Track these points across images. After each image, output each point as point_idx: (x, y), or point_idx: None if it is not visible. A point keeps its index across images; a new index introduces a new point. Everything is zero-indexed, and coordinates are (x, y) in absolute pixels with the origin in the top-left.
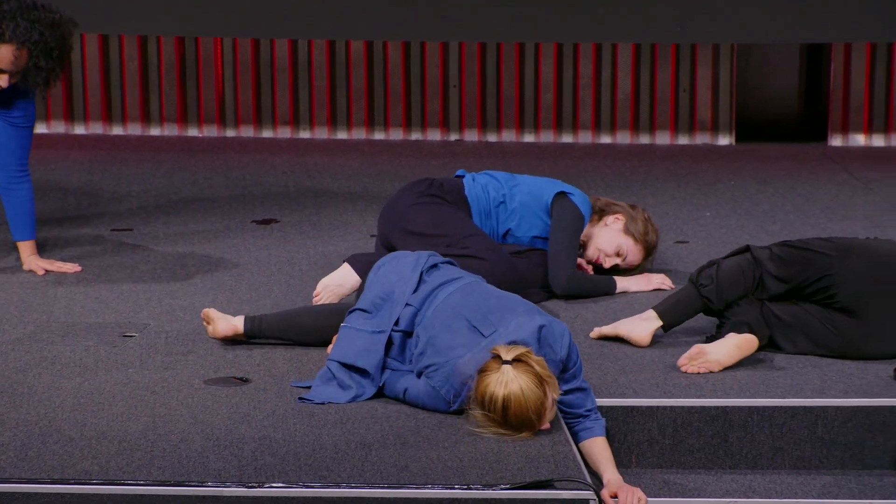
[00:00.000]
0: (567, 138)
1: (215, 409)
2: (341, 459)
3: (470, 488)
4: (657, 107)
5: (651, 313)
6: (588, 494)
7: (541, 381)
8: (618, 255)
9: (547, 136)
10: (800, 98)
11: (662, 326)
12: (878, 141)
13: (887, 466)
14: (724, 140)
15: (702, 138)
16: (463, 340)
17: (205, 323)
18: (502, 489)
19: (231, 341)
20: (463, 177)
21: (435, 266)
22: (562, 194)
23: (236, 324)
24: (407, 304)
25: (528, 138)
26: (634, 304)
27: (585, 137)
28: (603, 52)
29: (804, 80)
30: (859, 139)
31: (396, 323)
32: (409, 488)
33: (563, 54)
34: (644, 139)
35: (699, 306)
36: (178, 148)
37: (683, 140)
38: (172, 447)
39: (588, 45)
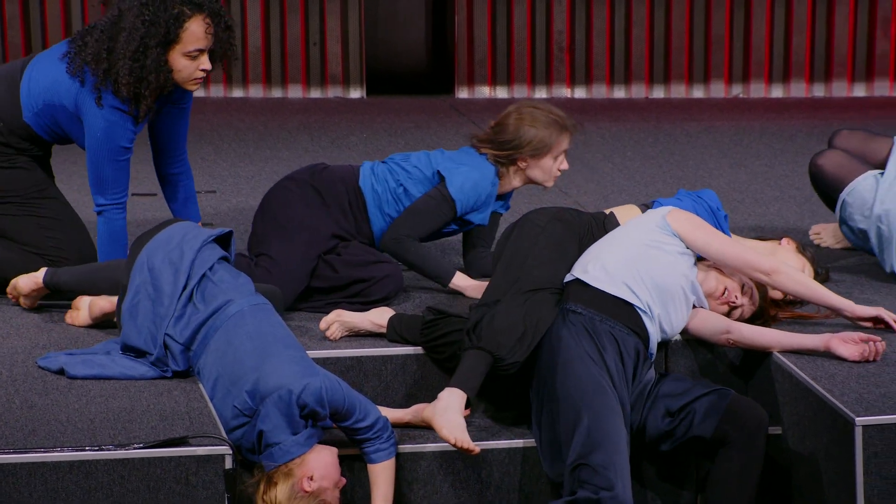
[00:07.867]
0: (198, 93)
1: None
2: None
3: (102, 449)
4: (288, 60)
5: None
6: (223, 449)
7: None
8: None
9: None
10: (427, 51)
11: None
12: (502, 93)
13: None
14: (356, 93)
15: (334, 91)
16: (236, 423)
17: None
18: (136, 448)
19: None
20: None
21: (204, 276)
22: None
23: (37, 276)
24: (172, 339)
25: None
26: None
27: (217, 92)
28: (232, 6)
29: (431, 34)
30: (484, 91)
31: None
32: (37, 452)
33: None
34: (277, 93)
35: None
36: None
37: (316, 93)
38: None
39: None
